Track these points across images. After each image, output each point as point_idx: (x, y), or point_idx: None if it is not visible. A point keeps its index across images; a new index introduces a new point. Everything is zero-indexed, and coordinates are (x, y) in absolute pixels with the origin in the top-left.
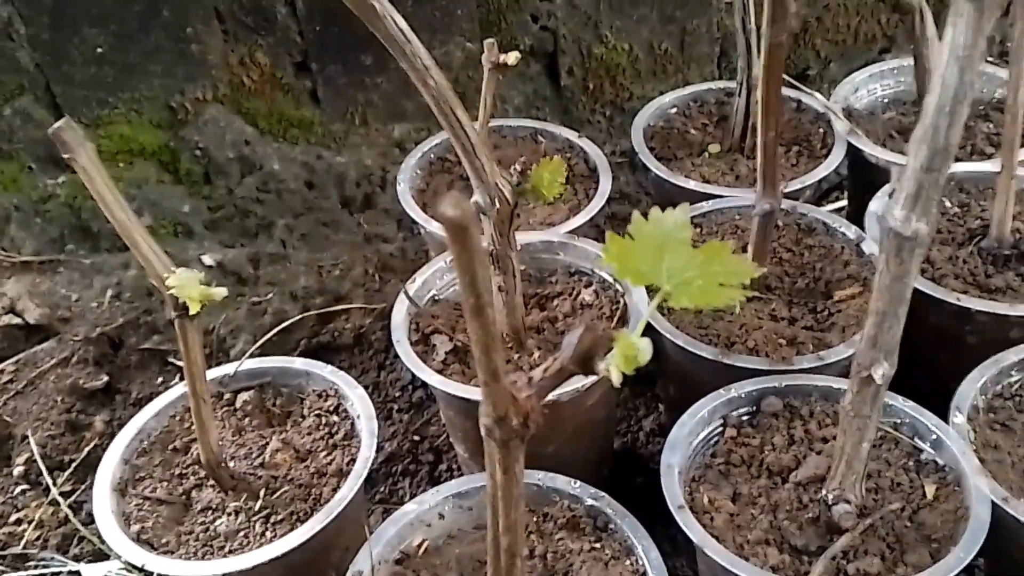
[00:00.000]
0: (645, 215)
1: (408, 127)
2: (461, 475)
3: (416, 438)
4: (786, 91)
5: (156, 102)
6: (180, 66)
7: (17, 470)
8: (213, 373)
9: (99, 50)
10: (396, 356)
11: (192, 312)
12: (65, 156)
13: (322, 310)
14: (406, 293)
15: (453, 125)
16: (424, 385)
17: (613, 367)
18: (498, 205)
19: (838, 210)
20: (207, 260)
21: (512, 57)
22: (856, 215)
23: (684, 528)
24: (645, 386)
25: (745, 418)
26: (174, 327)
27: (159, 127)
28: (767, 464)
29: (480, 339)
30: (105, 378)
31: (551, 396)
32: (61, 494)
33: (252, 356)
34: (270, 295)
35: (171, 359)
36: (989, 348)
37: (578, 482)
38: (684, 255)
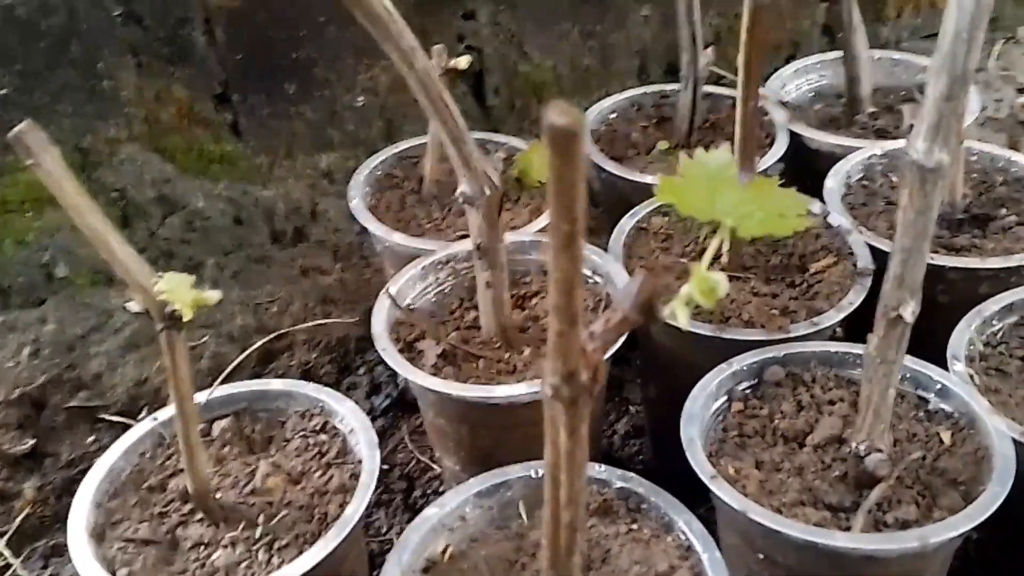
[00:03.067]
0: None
1: (335, 156)
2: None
3: (385, 467)
4: (719, 89)
5: (66, 145)
6: (91, 104)
7: None
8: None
9: (2, 91)
10: (350, 388)
11: (186, 319)
12: (28, 163)
13: (309, 324)
14: (390, 295)
15: (440, 110)
16: (385, 413)
17: (679, 309)
18: (488, 192)
19: None
20: (132, 307)
21: (463, 61)
22: None
23: (722, 497)
24: (612, 391)
25: (748, 391)
26: (102, 380)
27: (70, 170)
28: (781, 431)
29: (566, 277)
30: (31, 441)
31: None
32: None
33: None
34: (204, 338)
35: (102, 415)
36: (960, 307)
37: (603, 466)
38: (735, 191)
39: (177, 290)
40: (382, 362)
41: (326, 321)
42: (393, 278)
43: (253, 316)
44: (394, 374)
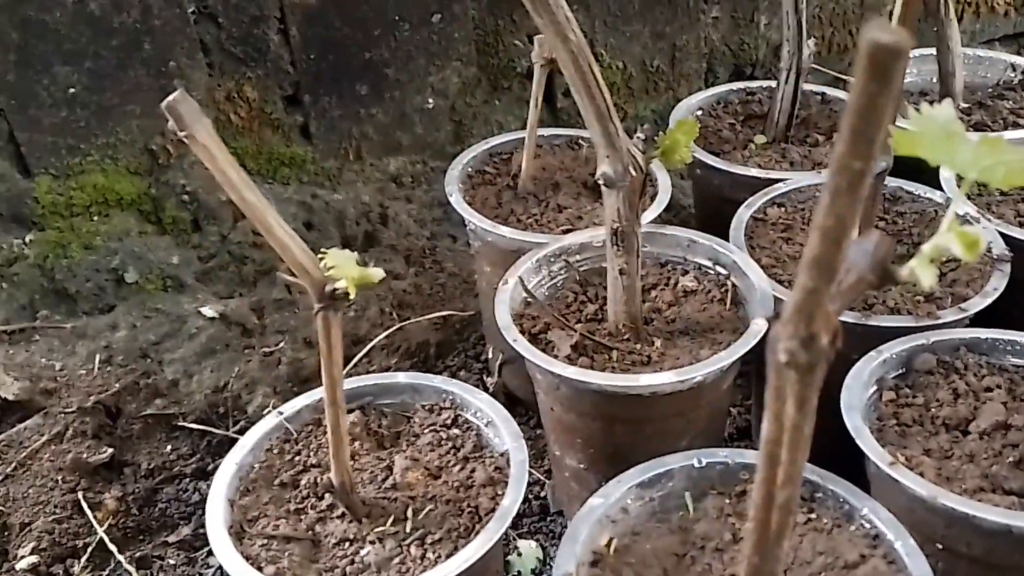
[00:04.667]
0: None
1: (404, 160)
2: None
3: None
4: (807, 84)
5: (134, 146)
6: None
7: (23, 564)
8: (306, 400)
9: (71, 90)
10: None
11: (352, 296)
12: (180, 133)
13: (433, 315)
14: (523, 283)
15: (591, 84)
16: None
17: (923, 269)
18: (633, 173)
19: None
20: (207, 312)
21: None
22: None
23: (905, 483)
24: None
25: (897, 379)
26: (179, 387)
27: (136, 174)
28: (942, 419)
29: (839, 223)
30: (109, 450)
31: (698, 376)
32: None
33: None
34: (281, 343)
35: (179, 423)
36: None
37: None
38: (968, 145)
39: (343, 266)
40: (464, 367)
41: (444, 313)
42: (510, 270)
43: None
44: (481, 379)
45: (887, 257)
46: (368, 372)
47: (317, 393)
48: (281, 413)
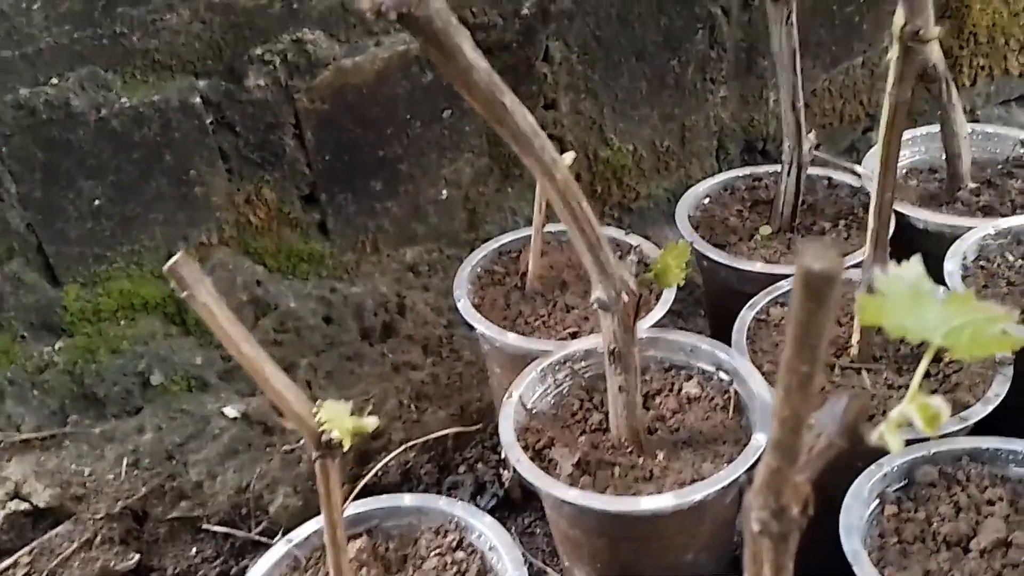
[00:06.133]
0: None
1: (420, 250)
2: None
3: None
4: (813, 169)
5: (158, 252)
6: (183, 211)
7: None
8: (311, 527)
9: (96, 203)
10: (451, 488)
11: (346, 447)
12: (183, 294)
13: (415, 440)
14: (523, 403)
15: (580, 219)
16: (491, 513)
17: (891, 435)
18: (626, 298)
19: None
20: (229, 412)
21: (568, 157)
22: None
23: None
24: None
25: (900, 493)
26: (203, 488)
27: (161, 278)
28: (944, 536)
29: (795, 415)
30: (136, 556)
31: (698, 497)
32: None
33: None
34: (302, 441)
35: (204, 525)
36: None
37: None
38: (935, 308)
39: (337, 418)
40: (482, 459)
41: (453, 431)
42: (514, 383)
43: None
44: (497, 472)
45: (857, 421)
46: (388, 468)
47: None
48: (291, 541)
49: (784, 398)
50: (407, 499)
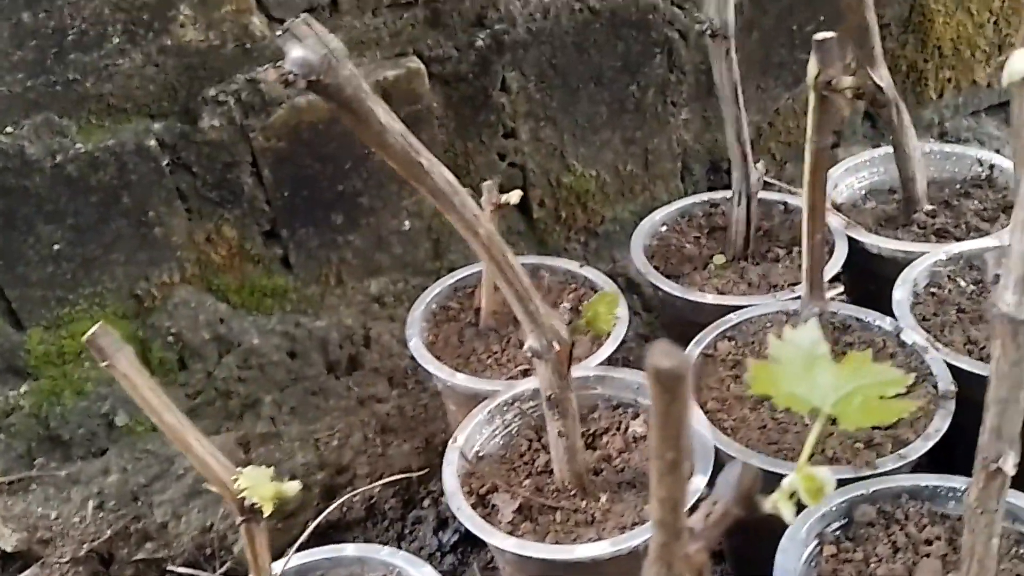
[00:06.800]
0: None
1: (385, 280)
2: None
3: None
4: (767, 194)
5: (120, 292)
6: (143, 252)
7: None
8: None
9: (56, 247)
10: (416, 523)
11: (267, 513)
12: (103, 364)
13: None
14: (463, 454)
15: (506, 270)
16: (454, 549)
17: (783, 504)
18: (557, 347)
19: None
20: None
21: (514, 196)
22: (860, 305)
23: None
24: None
25: (839, 532)
26: (168, 529)
27: (125, 318)
28: None
29: (671, 497)
30: None
31: (635, 543)
32: None
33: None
34: None
35: (169, 567)
36: None
37: None
38: (830, 372)
39: (257, 485)
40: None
41: (400, 477)
42: (460, 426)
43: (314, 452)
44: None
45: (752, 489)
46: (352, 504)
47: (277, 567)
48: None
49: (658, 482)
50: (350, 549)
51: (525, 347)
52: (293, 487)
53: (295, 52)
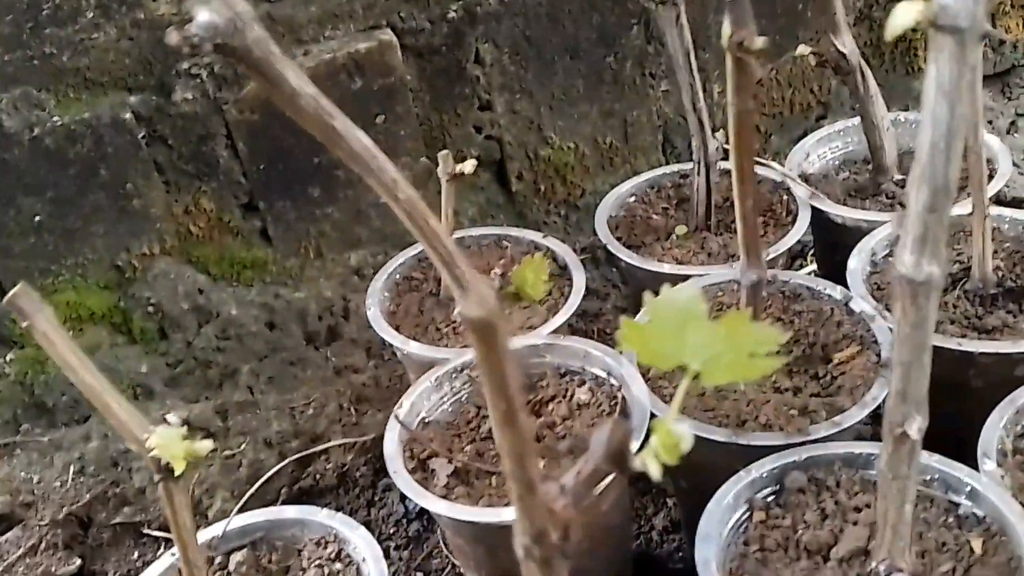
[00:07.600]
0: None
1: (364, 253)
2: None
3: (419, 574)
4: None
5: (101, 263)
6: (123, 223)
7: None
8: (200, 536)
9: (37, 219)
10: (385, 490)
11: (177, 472)
12: (23, 324)
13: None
14: (398, 419)
15: (429, 236)
16: (420, 516)
17: (651, 460)
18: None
19: (810, 275)
20: (172, 419)
21: (469, 165)
22: (829, 277)
23: None
24: (649, 482)
25: (770, 498)
26: (145, 495)
27: (107, 288)
28: (804, 544)
29: (513, 449)
30: (78, 561)
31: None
32: None
33: (238, 513)
34: (243, 445)
35: (145, 530)
36: (995, 391)
37: None
38: (705, 330)
39: (168, 444)
40: None
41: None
42: (407, 392)
43: (289, 421)
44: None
45: (622, 445)
46: (325, 471)
47: (214, 529)
48: (174, 555)
49: (499, 434)
50: (289, 511)
51: (454, 314)
52: (205, 446)
53: (201, 16)
